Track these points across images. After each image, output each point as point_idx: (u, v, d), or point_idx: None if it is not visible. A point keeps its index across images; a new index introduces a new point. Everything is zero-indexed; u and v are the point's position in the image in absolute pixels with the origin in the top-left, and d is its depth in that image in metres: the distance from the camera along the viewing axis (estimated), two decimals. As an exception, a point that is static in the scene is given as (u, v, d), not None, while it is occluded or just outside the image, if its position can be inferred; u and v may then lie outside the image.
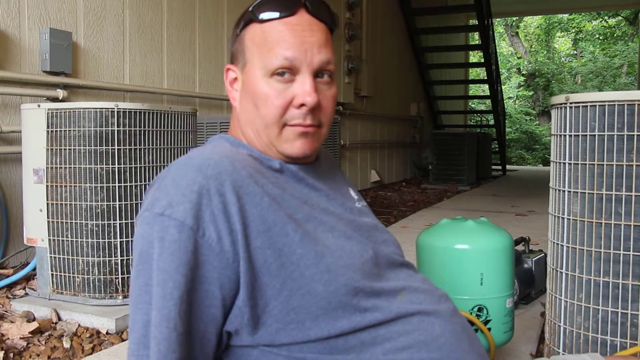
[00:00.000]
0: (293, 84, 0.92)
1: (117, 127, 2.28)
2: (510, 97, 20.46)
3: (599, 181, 1.47)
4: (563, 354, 1.56)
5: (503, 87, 13.09)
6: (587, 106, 1.47)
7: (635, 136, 1.42)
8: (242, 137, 1.00)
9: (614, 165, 1.45)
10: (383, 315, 0.89)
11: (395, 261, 1.01)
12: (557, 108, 1.56)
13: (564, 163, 1.54)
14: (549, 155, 17.05)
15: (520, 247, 2.74)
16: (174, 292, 0.79)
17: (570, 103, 1.51)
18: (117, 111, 2.28)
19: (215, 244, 0.80)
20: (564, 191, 1.55)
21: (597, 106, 1.46)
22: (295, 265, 0.83)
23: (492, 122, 11.70)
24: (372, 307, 0.88)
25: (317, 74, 0.94)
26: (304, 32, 0.93)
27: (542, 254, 2.72)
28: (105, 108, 2.27)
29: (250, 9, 0.95)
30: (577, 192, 1.51)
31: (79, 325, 2.22)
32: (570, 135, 1.51)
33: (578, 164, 1.50)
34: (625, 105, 1.42)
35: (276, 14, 0.93)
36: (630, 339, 1.46)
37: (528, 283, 2.56)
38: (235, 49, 0.99)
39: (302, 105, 0.92)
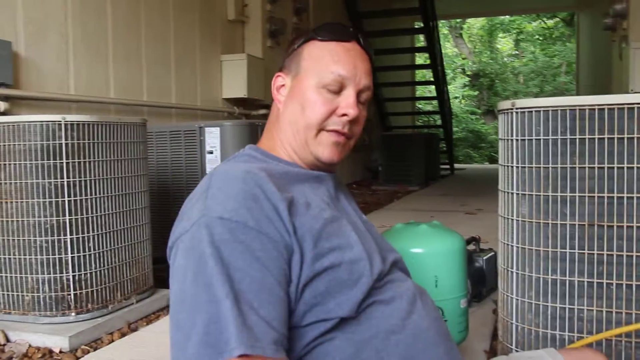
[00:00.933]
0: (339, 97, 1.08)
1: (65, 140, 2.23)
2: (456, 97, 20.85)
3: (545, 183, 1.52)
4: (516, 350, 1.61)
5: (449, 87, 13.33)
6: (532, 111, 1.53)
7: (577, 140, 1.48)
8: (276, 137, 1.13)
9: (559, 168, 1.50)
10: (380, 297, 1.00)
11: (396, 260, 1.15)
12: (504, 113, 1.62)
13: (512, 166, 1.59)
14: (495, 154, 17.37)
15: (471, 247, 2.80)
16: (252, 286, 0.84)
17: (516, 108, 1.56)
18: (65, 124, 2.23)
19: (278, 237, 0.90)
20: (512, 193, 1.60)
21: (542, 111, 1.51)
22: (330, 251, 0.95)
23: (439, 122, 11.91)
24: (374, 291, 1.00)
25: (358, 94, 1.10)
26: (356, 58, 1.10)
27: (492, 252, 2.79)
28: (51, 121, 2.22)
29: (312, 30, 1.12)
30: (525, 194, 1.56)
31: (30, 345, 2.16)
32: (517, 140, 1.57)
33: (525, 167, 1.55)
34: (568, 111, 1.48)
35: (335, 37, 1.10)
36: (577, 333, 1.52)
37: (479, 281, 2.62)
38: (289, 60, 1.14)
39: (344, 115, 1.07)
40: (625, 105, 1.45)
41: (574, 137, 1.48)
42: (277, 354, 0.82)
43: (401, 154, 8.16)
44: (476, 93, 21.91)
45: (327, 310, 0.94)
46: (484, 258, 2.68)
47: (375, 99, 10.24)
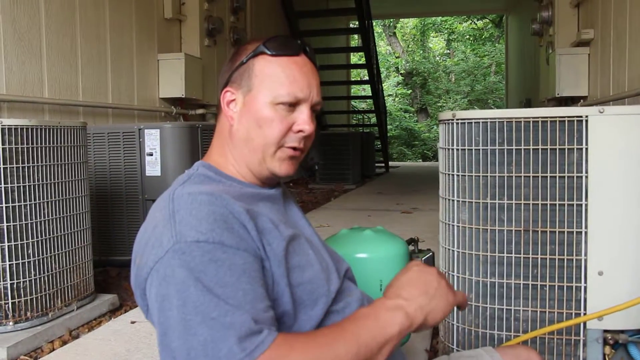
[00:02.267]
0: (293, 113, 1.09)
1: (2, 145, 2.17)
2: (390, 95, 21.22)
3: (484, 191, 1.61)
4: (457, 349, 1.69)
5: (383, 85, 13.56)
6: (471, 122, 1.61)
7: (513, 150, 1.57)
8: (229, 154, 1.12)
9: (497, 177, 1.59)
10: (335, 308, 1.05)
11: (347, 271, 1.18)
12: (445, 123, 1.69)
13: (452, 175, 1.67)
14: (428, 151, 17.68)
15: (410, 247, 2.89)
16: (243, 298, 0.85)
17: (457, 119, 1.64)
18: (1, 128, 2.17)
19: (256, 254, 0.92)
20: (453, 200, 1.67)
21: (481, 123, 1.59)
22: (290, 271, 0.98)
23: (374, 120, 12.09)
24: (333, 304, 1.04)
25: (311, 108, 1.12)
26: (309, 74, 1.11)
27: (431, 253, 2.88)
28: (-12, 125, 2.16)
29: (261, 44, 1.10)
30: (465, 201, 1.64)
31: (-33, 355, 2.10)
32: (457, 149, 1.64)
33: (465, 175, 1.63)
34: (505, 122, 1.57)
35: (286, 51, 1.09)
36: (514, 332, 1.62)
37: (419, 281, 2.71)
38: (238, 75, 1.11)
39: (300, 131, 1.09)
40: (557, 119, 1.54)
41: (511, 147, 1.57)
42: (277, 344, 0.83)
43: (337, 153, 8.27)
44: (409, 91, 22.36)
45: (288, 327, 0.97)
46: (423, 259, 2.77)
47: (312, 97, 10.29)
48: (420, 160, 19.33)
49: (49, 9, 3.85)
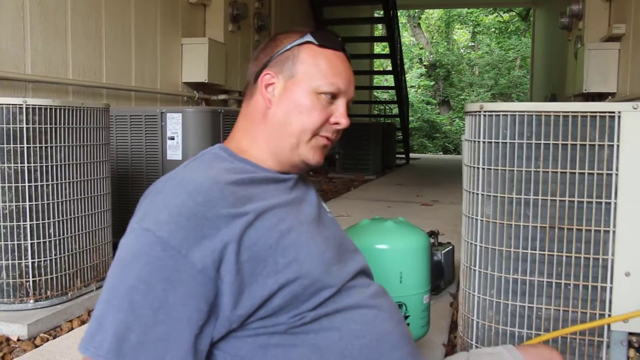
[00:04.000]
0: (332, 105, 1.12)
1: (26, 124, 2.18)
2: (412, 86, 21.08)
3: (510, 185, 1.58)
4: (476, 346, 1.66)
5: (406, 76, 13.48)
6: (499, 115, 1.57)
7: (542, 144, 1.53)
8: (259, 137, 1.12)
9: (523, 171, 1.56)
10: (344, 303, 1.02)
11: (361, 266, 1.15)
12: (471, 115, 1.66)
13: (477, 167, 1.63)
14: (449, 144, 17.59)
15: (430, 240, 2.86)
16: (153, 303, 0.86)
17: (484, 111, 1.60)
18: (26, 108, 2.18)
19: (197, 262, 0.88)
20: (477, 194, 1.64)
21: (509, 115, 1.56)
22: (279, 273, 0.94)
23: (395, 111, 12.02)
24: (337, 299, 1.01)
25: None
26: (349, 71, 1.15)
27: (451, 247, 2.86)
28: (12, 104, 2.16)
29: (309, 33, 1.13)
30: (490, 195, 1.61)
31: (-14, 332, 2.12)
32: (483, 142, 1.61)
33: (491, 169, 1.60)
34: (534, 116, 1.53)
35: (332, 45, 1.13)
36: (535, 330, 1.59)
37: (438, 275, 2.69)
38: (280, 60, 1.12)
39: (336, 123, 1.12)
40: (588, 114, 1.50)
41: (539, 141, 1.53)
42: None
43: (359, 143, 8.22)
44: (432, 83, 22.19)
45: (278, 322, 0.95)
46: (442, 252, 2.75)
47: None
48: (441, 152, 19.21)
49: (76, -10, 3.85)
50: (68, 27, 3.80)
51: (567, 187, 1.53)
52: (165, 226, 0.88)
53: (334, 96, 1.11)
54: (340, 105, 1.12)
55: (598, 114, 1.50)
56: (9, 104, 2.17)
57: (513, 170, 1.57)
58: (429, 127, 20.26)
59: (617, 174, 1.50)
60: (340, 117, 1.12)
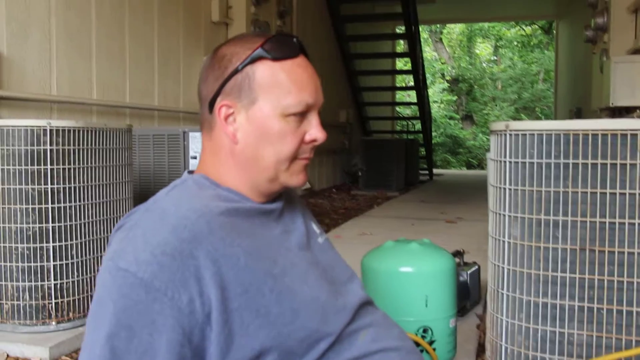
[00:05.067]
0: (303, 122, 0.99)
1: (50, 146, 2.19)
2: (435, 102, 21.00)
3: (537, 206, 1.53)
4: (505, 372, 1.61)
5: (428, 91, 13.43)
6: (525, 134, 1.53)
7: (570, 164, 1.49)
8: (229, 173, 1.00)
9: (551, 192, 1.51)
10: (347, 356, 0.93)
11: (359, 301, 1.04)
12: (497, 134, 1.62)
13: (504, 188, 1.59)
14: (473, 159, 17.43)
15: (456, 260, 2.81)
16: (138, 348, 0.78)
17: (510, 130, 1.57)
18: (50, 129, 2.19)
19: (184, 306, 0.80)
20: (504, 215, 1.60)
21: (536, 134, 1.52)
22: (272, 324, 0.85)
23: (418, 127, 11.98)
24: (338, 349, 0.92)
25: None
26: (313, 76, 1.00)
27: (476, 267, 2.81)
28: (37, 126, 2.18)
29: (260, 47, 0.96)
30: (517, 216, 1.57)
31: (8, 355, 2.12)
32: (509, 162, 1.57)
33: (518, 189, 1.56)
34: (562, 135, 1.49)
35: (288, 54, 0.97)
36: (567, 356, 1.53)
37: (464, 296, 2.63)
38: (234, 85, 0.97)
39: (313, 141, 1.00)
40: (619, 132, 1.46)
41: (567, 161, 1.49)
42: None
43: (381, 159, 8.18)
44: (455, 98, 22.09)
45: None
46: (468, 272, 2.69)
47: (356, 103, 10.27)
48: (465, 168, 19.06)
49: (100, 11, 3.90)
50: (92, 47, 3.84)
51: (597, 207, 1.48)
52: (147, 267, 0.80)
53: (304, 112, 0.98)
54: (312, 119, 0.99)
55: (629, 132, 1.46)
56: (34, 126, 2.18)
57: (541, 190, 1.52)
58: (452, 142, 20.14)
59: (650, 194, 1.45)
60: (315, 132, 0.99)
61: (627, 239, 1.47)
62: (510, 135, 1.57)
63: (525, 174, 1.55)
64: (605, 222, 1.48)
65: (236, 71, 0.96)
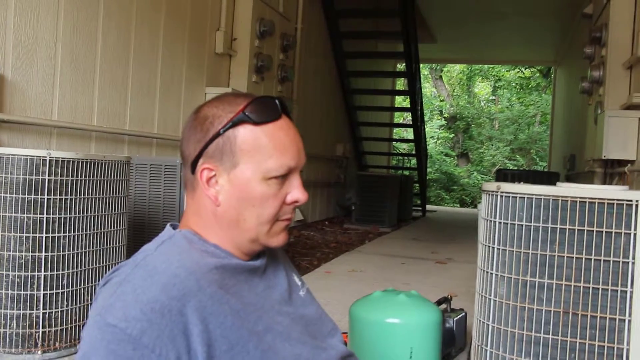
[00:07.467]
0: (285, 183, 1.00)
1: (49, 176, 2.22)
2: (431, 137, 21.15)
3: (524, 268, 1.57)
4: None
5: (425, 127, 13.55)
6: (516, 197, 1.58)
7: (558, 229, 1.53)
8: (212, 233, 1.01)
9: (538, 254, 1.55)
10: None
11: (341, 355, 1.08)
12: (489, 194, 1.66)
13: (493, 247, 1.63)
14: (466, 197, 17.45)
15: (442, 306, 2.83)
16: None
17: (501, 192, 1.61)
18: (49, 160, 2.22)
19: None
20: (491, 274, 1.63)
21: (526, 198, 1.56)
22: None
23: (414, 162, 12.06)
24: None
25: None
26: (295, 138, 1.01)
27: (463, 313, 2.82)
28: (36, 156, 2.21)
29: (241, 112, 0.97)
30: (504, 276, 1.60)
31: (-7, 382, 2.12)
32: (499, 222, 1.61)
33: (506, 250, 1.60)
34: (551, 200, 1.53)
35: (269, 117, 0.99)
36: (547, 417, 1.55)
37: (449, 342, 2.64)
38: (215, 148, 0.98)
39: (294, 202, 1.01)
40: (606, 201, 1.50)
41: (555, 226, 1.53)
42: None
43: (375, 194, 8.22)
44: (452, 135, 22.25)
45: None
46: (455, 319, 2.71)
47: (353, 137, 10.35)
48: (458, 205, 19.11)
49: (106, 38, 3.96)
50: (96, 73, 3.89)
51: (582, 272, 1.52)
52: (136, 323, 0.81)
53: (285, 175, 1.00)
54: (293, 181, 1.01)
55: (615, 201, 1.50)
56: (34, 156, 2.21)
57: (528, 252, 1.56)
58: (447, 179, 20.23)
59: (633, 262, 1.49)
60: (297, 194, 1.00)
61: (609, 305, 1.50)
62: (502, 196, 1.61)
63: (514, 235, 1.58)
64: (589, 287, 1.51)
65: (218, 135, 0.97)
